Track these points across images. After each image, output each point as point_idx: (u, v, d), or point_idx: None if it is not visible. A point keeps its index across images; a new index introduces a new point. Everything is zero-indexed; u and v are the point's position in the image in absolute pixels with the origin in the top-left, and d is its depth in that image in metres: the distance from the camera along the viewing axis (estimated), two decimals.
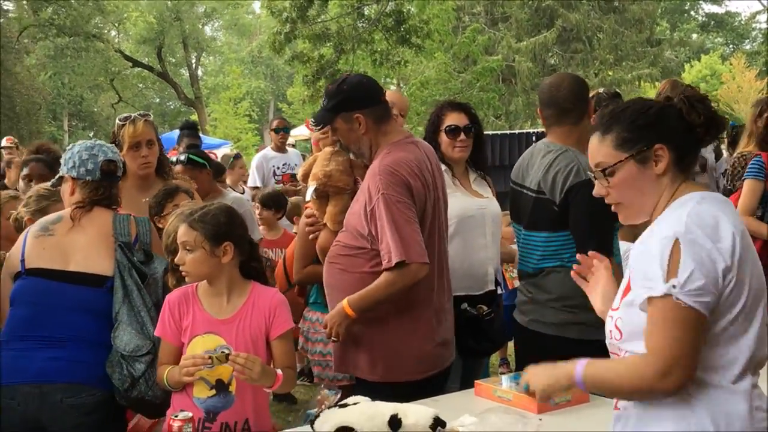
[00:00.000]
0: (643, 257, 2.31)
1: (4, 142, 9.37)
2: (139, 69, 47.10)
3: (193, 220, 3.33)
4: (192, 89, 46.01)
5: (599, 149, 2.48)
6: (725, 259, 2.23)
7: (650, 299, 2.25)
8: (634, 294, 2.33)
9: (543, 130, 4.34)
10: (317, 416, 3.07)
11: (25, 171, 5.68)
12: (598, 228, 3.78)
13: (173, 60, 50.13)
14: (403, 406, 3.04)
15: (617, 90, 5.98)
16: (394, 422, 2.93)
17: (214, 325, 3.32)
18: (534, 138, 13.26)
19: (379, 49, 21.08)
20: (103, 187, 3.77)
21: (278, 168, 8.90)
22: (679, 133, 2.42)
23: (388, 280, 3.70)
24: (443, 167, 4.56)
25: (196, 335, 3.31)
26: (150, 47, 46.25)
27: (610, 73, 32.08)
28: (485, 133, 5.42)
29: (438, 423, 3.00)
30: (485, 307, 4.56)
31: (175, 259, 3.36)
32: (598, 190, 2.51)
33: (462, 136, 4.62)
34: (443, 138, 4.63)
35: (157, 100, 55.14)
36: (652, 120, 2.43)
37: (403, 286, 3.71)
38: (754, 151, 5.40)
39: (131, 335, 3.50)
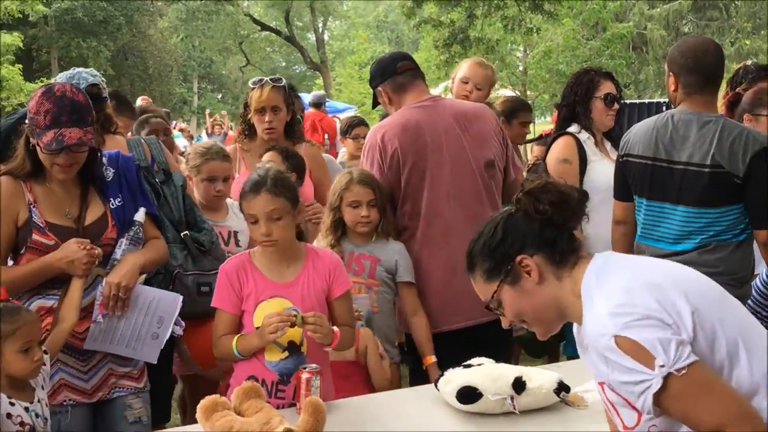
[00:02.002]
0: (607, 374, 2.11)
1: (139, 102, 9.70)
2: (267, 33, 47.88)
3: (274, 187, 3.25)
4: (318, 53, 46.49)
5: (477, 289, 2.38)
6: (662, 314, 2.05)
7: (656, 396, 2.04)
8: (627, 410, 2.14)
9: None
10: (441, 375, 3.11)
11: (147, 129, 5.78)
12: None
13: (300, 24, 50.72)
14: (528, 370, 3.05)
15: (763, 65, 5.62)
16: (519, 384, 2.94)
17: (278, 289, 3.26)
18: (664, 108, 12.77)
19: (510, 15, 20.75)
20: (96, 111, 3.68)
21: None
22: (536, 233, 2.27)
23: None
24: (586, 135, 4.59)
25: (261, 301, 3.24)
26: (278, 11, 46.87)
27: (747, 42, 30.75)
28: None
29: (562, 387, 3.00)
30: None
31: (264, 233, 3.22)
32: (504, 323, 2.39)
33: (615, 105, 4.65)
34: (597, 105, 4.64)
35: (284, 63, 56.01)
36: (501, 237, 2.29)
37: None
38: None
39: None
